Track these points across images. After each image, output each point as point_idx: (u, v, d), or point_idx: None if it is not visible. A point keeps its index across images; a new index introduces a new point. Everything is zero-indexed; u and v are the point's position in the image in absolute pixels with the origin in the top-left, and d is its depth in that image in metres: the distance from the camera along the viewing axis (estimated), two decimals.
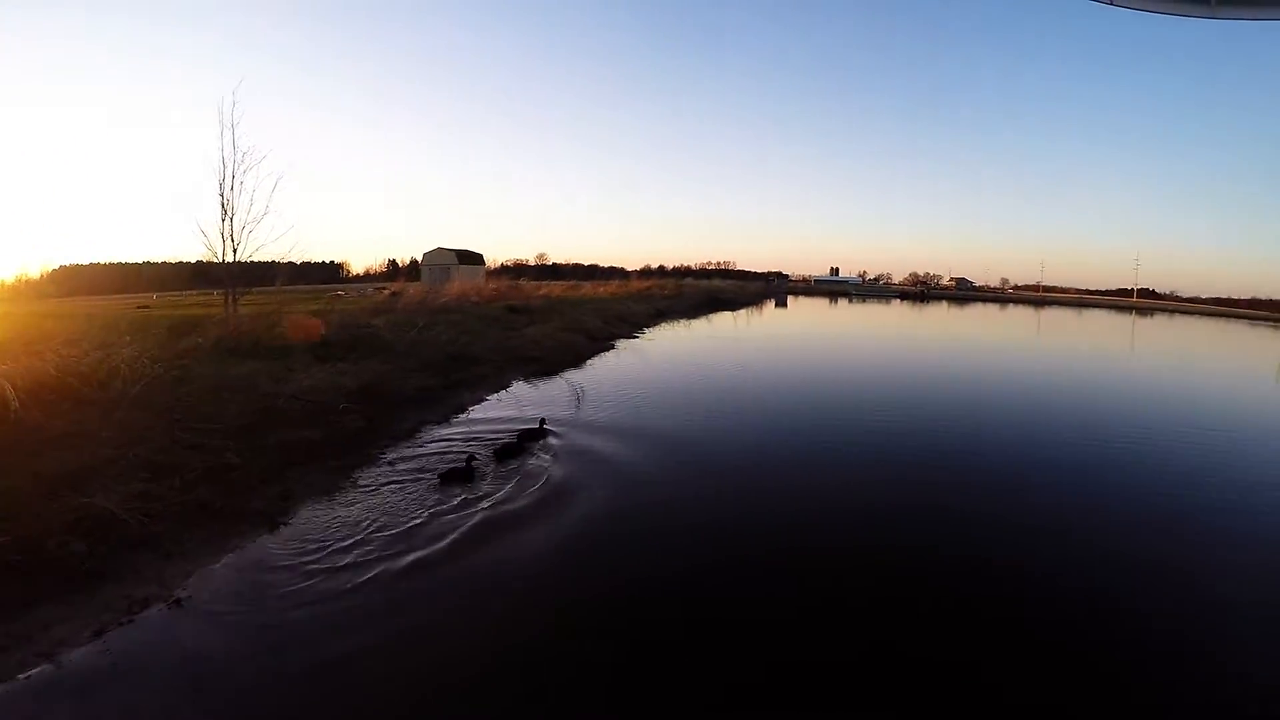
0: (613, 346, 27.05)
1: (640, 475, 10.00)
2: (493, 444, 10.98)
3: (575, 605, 6.06)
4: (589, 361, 22.70)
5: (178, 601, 5.79)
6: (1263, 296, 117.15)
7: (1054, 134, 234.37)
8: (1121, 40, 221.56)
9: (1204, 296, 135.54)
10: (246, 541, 7.01)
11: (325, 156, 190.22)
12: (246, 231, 19.49)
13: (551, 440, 11.70)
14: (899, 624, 5.89)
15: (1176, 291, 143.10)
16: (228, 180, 19.25)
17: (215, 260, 19.63)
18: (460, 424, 12.90)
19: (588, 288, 53.41)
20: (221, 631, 5.35)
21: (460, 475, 9.44)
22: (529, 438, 11.59)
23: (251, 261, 20.66)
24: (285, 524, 7.51)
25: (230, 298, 19.81)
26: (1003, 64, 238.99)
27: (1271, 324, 78.02)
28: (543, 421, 12.44)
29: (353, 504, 8.22)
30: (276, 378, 13.01)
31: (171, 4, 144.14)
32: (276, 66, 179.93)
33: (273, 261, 22.69)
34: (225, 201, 19.31)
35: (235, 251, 19.64)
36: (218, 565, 6.46)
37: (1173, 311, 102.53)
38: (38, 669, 4.80)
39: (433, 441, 11.38)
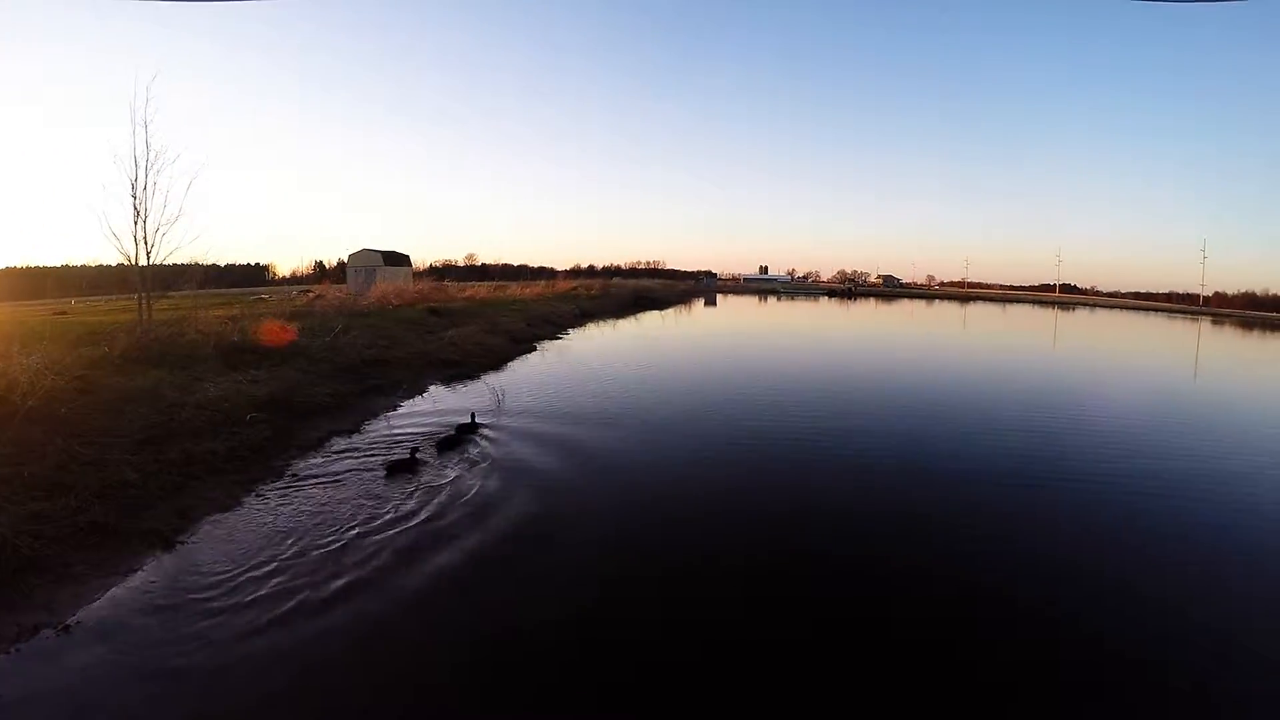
0: (534, 348, 27.34)
1: (556, 480, 10.43)
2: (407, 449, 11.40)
3: (512, 638, 5.98)
4: (509, 364, 22.98)
5: (67, 629, 5.79)
6: (1179, 290, 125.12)
7: (977, 132, 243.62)
8: (1046, 37, 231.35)
9: (1124, 291, 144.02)
10: (142, 564, 7.03)
11: (251, 155, 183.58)
12: (160, 234, 18.98)
13: (479, 438, 12.49)
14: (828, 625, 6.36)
15: (1097, 286, 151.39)
16: (140, 180, 18.75)
17: (129, 264, 19.16)
18: (373, 431, 13.04)
19: (514, 289, 53.46)
20: (109, 664, 5.34)
21: (405, 466, 10.55)
22: (464, 430, 12.75)
23: (168, 264, 20.19)
24: (183, 544, 7.56)
25: (144, 303, 19.29)
26: (927, 63, 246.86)
27: (1188, 316, 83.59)
28: (474, 415, 13.49)
29: (254, 521, 8.29)
30: (182, 387, 12.88)
31: None
32: (205, 61, 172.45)
33: (192, 264, 22.18)
34: (138, 202, 18.79)
35: (149, 255, 19.17)
36: (110, 591, 6.46)
37: (1094, 306, 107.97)
38: None
39: (342, 451, 11.50)
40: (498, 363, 22.73)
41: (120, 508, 8.04)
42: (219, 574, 6.85)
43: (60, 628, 5.82)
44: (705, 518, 9.21)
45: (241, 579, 6.75)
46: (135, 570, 6.91)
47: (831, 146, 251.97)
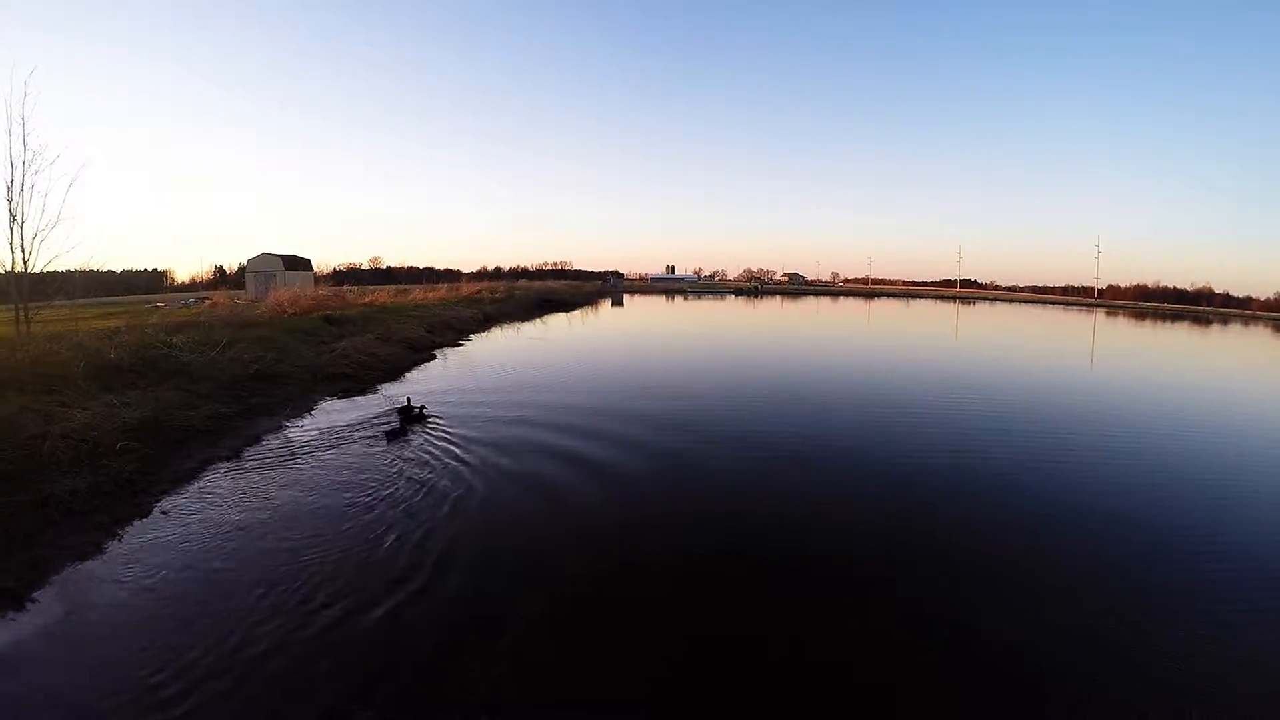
0: (434, 356, 27.04)
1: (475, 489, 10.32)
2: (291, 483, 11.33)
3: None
4: (407, 374, 22.66)
5: None
6: (1075, 283, 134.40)
7: (878, 131, 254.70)
8: (945, 40, 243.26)
9: (1022, 285, 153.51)
10: None
11: (149, 157, 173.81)
12: (39, 240, 17.96)
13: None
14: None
15: (996, 281, 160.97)
16: (16, 183, 17.69)
17: (51, 272, 18.28)
18: (253, 455, 12.66)
19: (417, 293, 52.44)
20: None
21: (398, 434, 13.86)
22: (418, 417, 15.33)
23: (50, 272, 19.15)
24: (34, 602, 7.17)
25: (21, 315, 18.10)
26: (828, 61, 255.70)
27: (1083, 308, 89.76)
28: (415, 403, 15.84)
29: (115, 573, 7.89)
30: (47, 415, 12.14)
31: None
32: (94, 60, 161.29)
33: (76, 271, 21.05)
34: (13, 206, 17.72)
35: (26, 263, 18.08)
36: None
37: (993, 299, 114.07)
38: None
39: (217, 483, 11.10)
40: (393, 374, 22.38)
41: None
42: (72, 638, 6.57)
43: None
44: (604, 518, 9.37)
45: (98, 644, 6.49)
46: None
47: (736, 146, 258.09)
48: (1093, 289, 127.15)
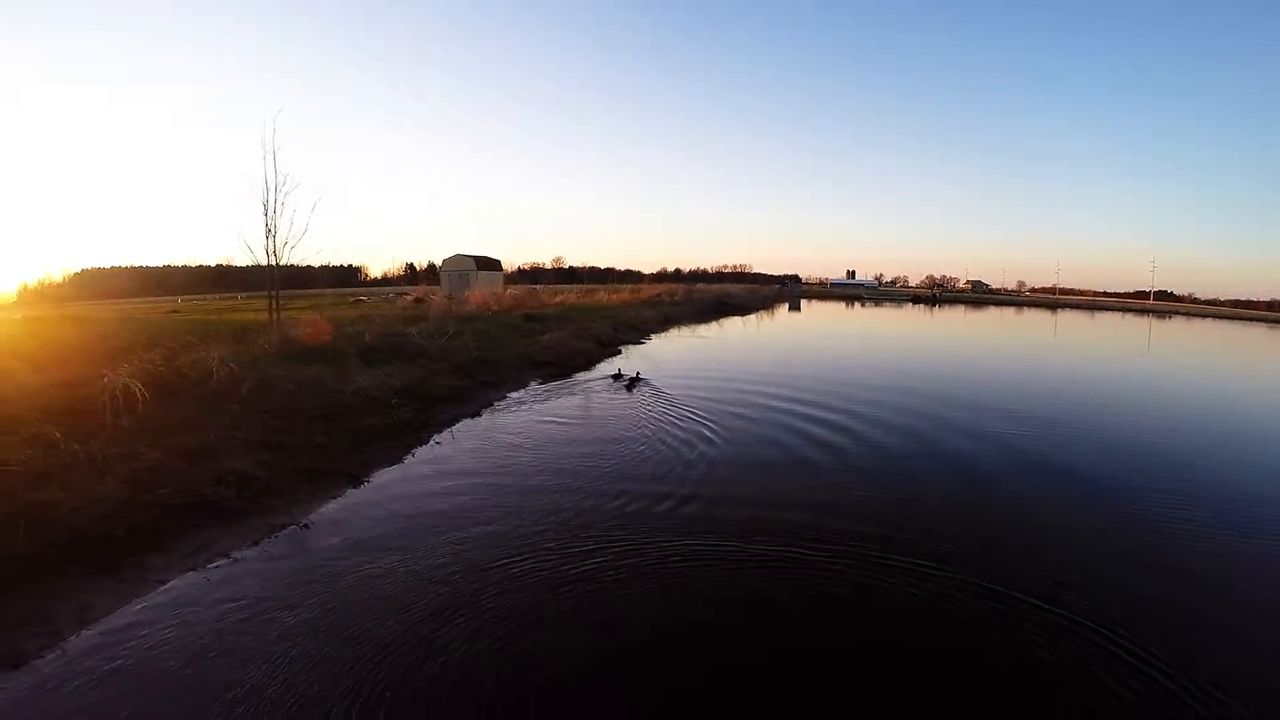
0: (619, 352, 29.53)
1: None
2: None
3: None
4: (597, 365, 25.16)
5: (305, 526, 8.43)
6: None
7: (1070, 135, 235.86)
8: (1135, 39, 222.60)
9: (1222, 299, 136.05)
10: (344, 491, 9.76)
11: (337, 158, 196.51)
12: (288, 247, 22.26)
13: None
14: None
15: (1194, 294, 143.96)
16: (270, 203, 21.94)
17: (255, 266, 22.60)
18: (491, 412, 15.42)
19: (601, 294, 56.17)
20: (339, 540, 7.95)
21: (628, 387, 18.45)
22: (635, 380, 19.41)
23: (289, 266, 23.30)
24: (368, 481, 10.27)
25: (274, 305, 22.34)
26: (1018, 63, 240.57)
27: None
28: (638, 373, 20.04)
29: (420, 468, 10.98)
30: (338, 379, 15.48)
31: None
32: (290, 67, 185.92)
33: (308, 266, 25.32)
34: (268, 219, 21.93)
35: (277, 265, 22.23)
36: (329, 504, 9.22)
37: (1189, 314, 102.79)
38: (218, 564, 7.37)
39: (474, 428, 14.03)
40: (587, 364, 24.98)
41: (320, 459, 10.77)
42: (401, 496, 9.57)
43: (301, 525, 8.46)
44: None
45: (418, 500, 9.40)
46: (342, 495, 9.62)
47: (922, 148, 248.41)
48: None
